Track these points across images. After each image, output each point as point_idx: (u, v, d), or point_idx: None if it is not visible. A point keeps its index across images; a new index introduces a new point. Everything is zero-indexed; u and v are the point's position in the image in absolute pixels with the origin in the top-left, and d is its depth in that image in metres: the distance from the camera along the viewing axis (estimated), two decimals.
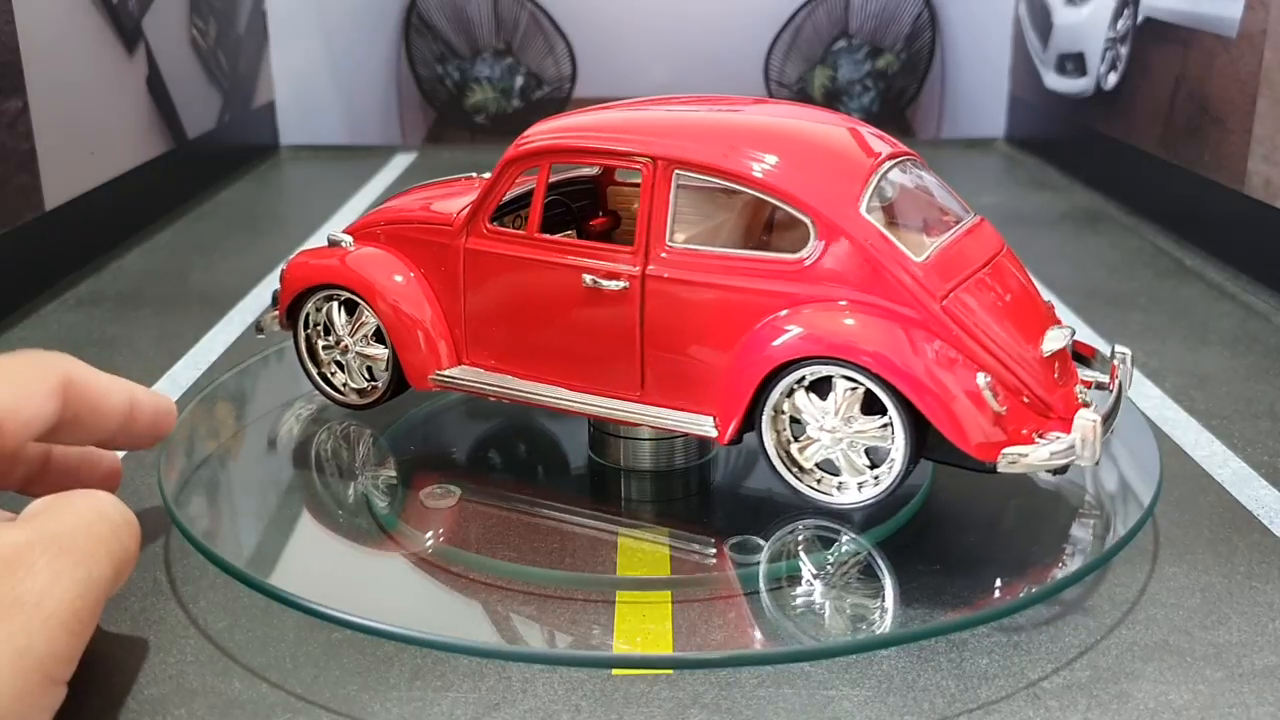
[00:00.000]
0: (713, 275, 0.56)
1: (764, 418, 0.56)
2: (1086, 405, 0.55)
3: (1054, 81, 1.55)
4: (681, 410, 0.58)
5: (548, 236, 0.60)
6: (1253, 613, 0.52)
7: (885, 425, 0.54)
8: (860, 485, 0.56)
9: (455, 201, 0.64)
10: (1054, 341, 0.55)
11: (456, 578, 0.53)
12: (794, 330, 0.54)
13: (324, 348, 0.67)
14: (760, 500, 0.61)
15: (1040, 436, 0.53)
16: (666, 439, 0.63)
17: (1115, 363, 0.60)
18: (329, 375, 0.68)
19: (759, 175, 0.56)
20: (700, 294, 0.56)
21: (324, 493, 0.62)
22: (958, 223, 0.59)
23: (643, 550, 0.56)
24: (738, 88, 1.68)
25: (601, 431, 0.64)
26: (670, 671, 0.47)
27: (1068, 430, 0.53)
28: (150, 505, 0.60)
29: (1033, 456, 0.52)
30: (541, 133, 0.61)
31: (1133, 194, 1.31)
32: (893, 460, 0.54)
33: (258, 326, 0.70)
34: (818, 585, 0.53)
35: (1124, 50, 1.33)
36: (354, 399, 0.67)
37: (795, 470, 0.56)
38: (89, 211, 1.09)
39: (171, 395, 0.78)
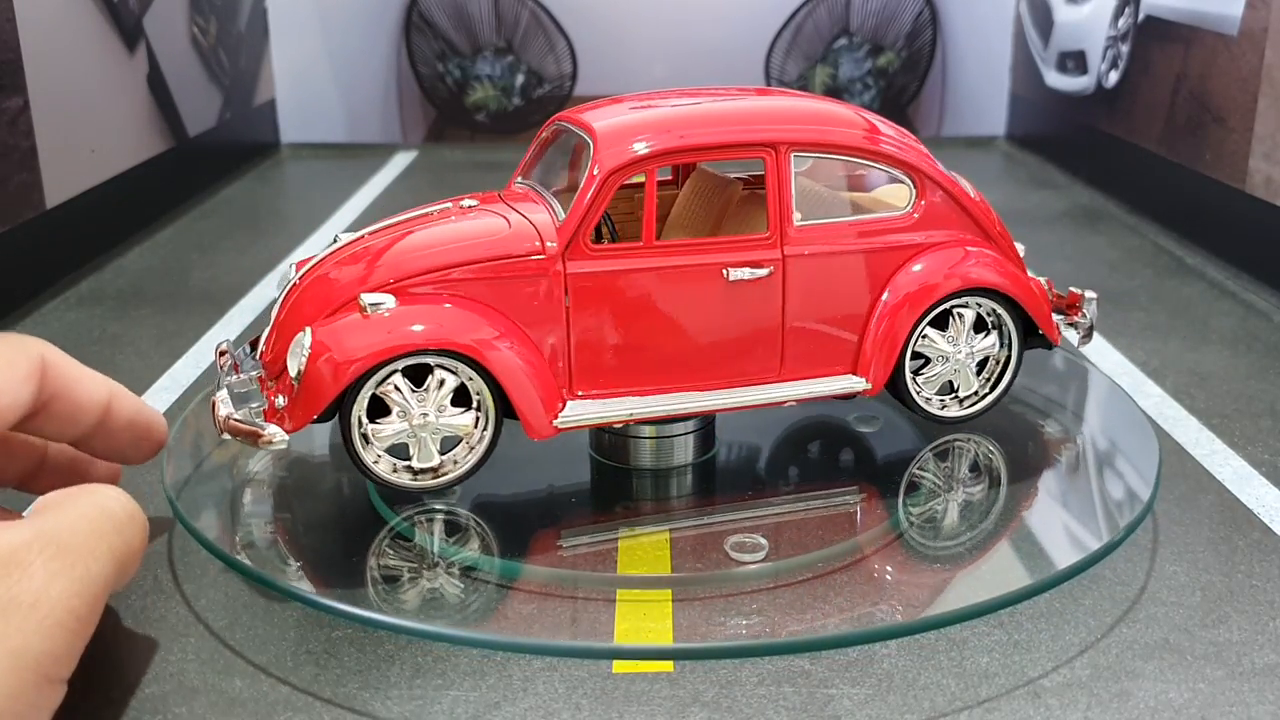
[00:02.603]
0: (842, 243, 0.61)
1: (907, 356, 0.62)
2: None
3: (1055, 79, 1.55)
4: (820, 377, 0.61)
5: (673, 241, 0.59)
6: (1253, 611, 0.52)
7: (994, 341, 0.65)
8: (968, 400, 0.65)
9: (482, 225, 0.59)
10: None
11: (456, 576, 0.53)
12: (937, 274, 0.62)
13: (380, 434, 0.56)
14: (761, 498, 0.61)
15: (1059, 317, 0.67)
16: (667, 437, 0.63)
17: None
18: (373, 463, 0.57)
19: (874, 147, 0.61)
20: (835, 263, 0.60)
21: (332, 494, 0.62)
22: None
23: (643, 548, 0.56)
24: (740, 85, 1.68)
25: (602, 430, 0.64)
26: (671, 668, 0.47)
27: None
28: (152, 504, 0.60)
29: (1081, 331, 0.67)
30: (632, 136, 0.58)
31: (1133, 192, 1.31)
32: (1008, 365, 0.65)
33: (253, 435, 0.54)
34: (815, 581, 0.53)
35: (1125, 48, 1.33)
36: (410, 481, 0.57)
37: (922, 397, 0.64)
38: (90, 210, 1.09)
39: (172, 394, 0.77)
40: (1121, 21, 1.35)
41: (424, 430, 0.56)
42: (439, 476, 0.57)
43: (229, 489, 0.62)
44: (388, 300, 0.55)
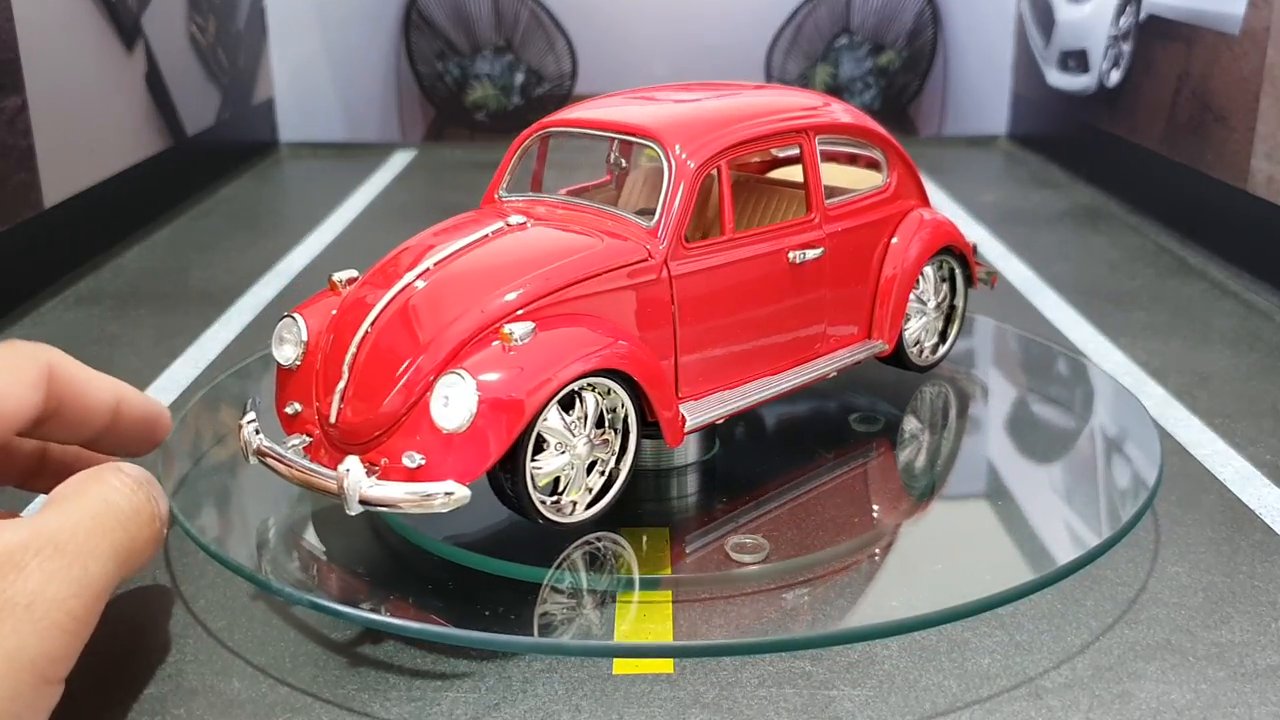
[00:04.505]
0: (857, 218, 0.66)
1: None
2: None
3: (1056, 79, 1.55)
4: (849, 345, 0.66)
5: (747, 230, 0.60)
6: (1255, 612, 0.52)
7: (945, 292, 0.73)
8: (932, 346, 0.73)
9: (573, 239, 0.56)
10: None
11: (456, 575, 0.53)
12: (921, 238, 0.69)
13: (544, 471, 0.52)
14: (761, 499, 0.61)
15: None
16: None
17: None
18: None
19: (871, 127, 0.69)
20: (855, 237, 0.66)
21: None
22: None
23: (643, 549, 0.56)
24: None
25: None
26: (671, 669, 0.47)
27: None
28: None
29: (988, 274, 0.75)
30: (700, 133, 0.59)
31: (1135, 192, 1.31)
32: (954, 311, 0.74)
33: (423, 500, 0.49)
34: (820, 581, 0.53)
35: (1127, 47, 1.33)
36: (558, 515, 0.53)
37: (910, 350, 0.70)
38: (88, 209, 1.09)
39: (171, 393, 0.77)
40: (1123, 20, 1.35)
41: (580, 459, 0.53)
42: (575, 510, 0.54)
43: (227, 489, 0.61)
44: (529, 328, 0.51)
